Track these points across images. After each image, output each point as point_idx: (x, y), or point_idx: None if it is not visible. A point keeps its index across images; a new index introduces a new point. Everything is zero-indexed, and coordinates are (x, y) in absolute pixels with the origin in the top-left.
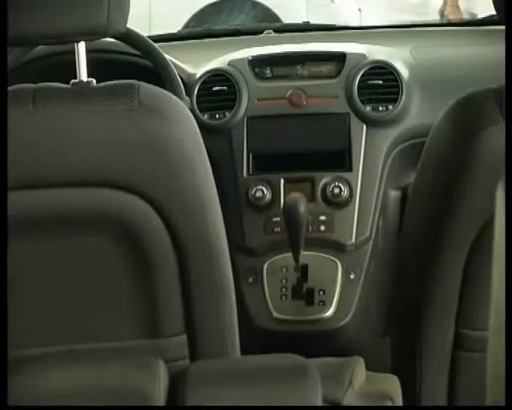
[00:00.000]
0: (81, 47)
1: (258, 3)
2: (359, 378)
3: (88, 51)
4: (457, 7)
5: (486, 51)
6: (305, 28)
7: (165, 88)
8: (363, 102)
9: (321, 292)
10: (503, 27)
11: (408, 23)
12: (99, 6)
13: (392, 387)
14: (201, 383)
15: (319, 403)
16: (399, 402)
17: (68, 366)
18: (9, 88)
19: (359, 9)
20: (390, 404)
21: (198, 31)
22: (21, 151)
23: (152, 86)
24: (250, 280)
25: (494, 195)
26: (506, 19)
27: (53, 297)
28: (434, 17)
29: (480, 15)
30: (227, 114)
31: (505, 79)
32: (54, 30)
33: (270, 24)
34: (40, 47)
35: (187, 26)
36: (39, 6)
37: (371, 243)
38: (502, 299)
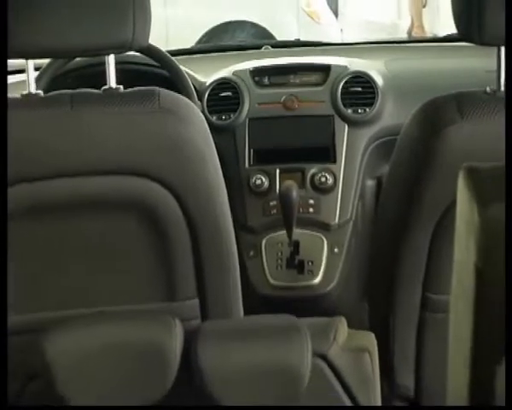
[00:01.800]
0: (111, 59)
1: (257, 24)
2: (342, 335)
3: (116, 63)
4: (422, 27)
5: (447, 63)
6: (297, 44)
7: (180, 94)
8: (345, 105)
9: (310, 263)
10: (461, 43)
11: (382, 40)
12: (126, 25)
13: (369, 342)
14: (211, 339)
15: (309, 355)
16: (375, 355)
17: (99, 325)
18: (51, 93)
19: (341, 29)
20: (367, 356)
21: (208, 46)
22: (61, 146)
23: (170, 92)
24: (251, 254)
25: (455, 182)
26: (506, 27)
27: (87, 267)
28: (403, 36)
29: (441, 34)
30: (232, 115)
31: (505, 82)
32: (89, 45)
33: (268, 41)
34: (76, 59)
35: (199, 42)
36: (78, 25)
37: (352, 223)
38: (462, 269)
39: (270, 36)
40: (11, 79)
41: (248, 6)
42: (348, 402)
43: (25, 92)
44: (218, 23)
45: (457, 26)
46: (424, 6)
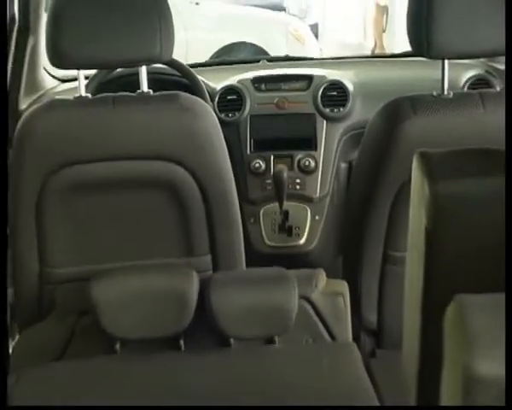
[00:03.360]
0: (143, 69)
1: (255, 45)
2: (322, 283)
3: (148, 73)
4: (383, 47)
5: (403, 73)
6: (286, 59)
7: (196, 96)
8: (323, 106)
9: (297, 228)
10: (414, 58)
11: (352, 56)
12: (155, 44)
13: (342, 289)
14: (221, 286)
15: (296, 298)
16: (347, 298)
17: (133, 274)
18: (97, 96)
19: (320, 48)
20: (341, 299)
21: (218, 61)
22: (104, 136)
23: (189, 95)
24: (251, 220)
25: (410, 164)
26: (506, 38)
27: (123, 231)
28: (368, 53)
29: (397, 51)
30: (237, 113)
31: (506, 82)
32: (126, 58)
33: (264, 56)
34: (117, 70)
35: (211, 58)
36: (118, 44)
37: (329, 196)
38: (415, 231)
39: (266, 53)
40: (68, 85)
41: (249, 31)
42: (326, 334)
43: (77, 95)
44: (226, 44)
45: (411, 45)
46: (384, 31)
